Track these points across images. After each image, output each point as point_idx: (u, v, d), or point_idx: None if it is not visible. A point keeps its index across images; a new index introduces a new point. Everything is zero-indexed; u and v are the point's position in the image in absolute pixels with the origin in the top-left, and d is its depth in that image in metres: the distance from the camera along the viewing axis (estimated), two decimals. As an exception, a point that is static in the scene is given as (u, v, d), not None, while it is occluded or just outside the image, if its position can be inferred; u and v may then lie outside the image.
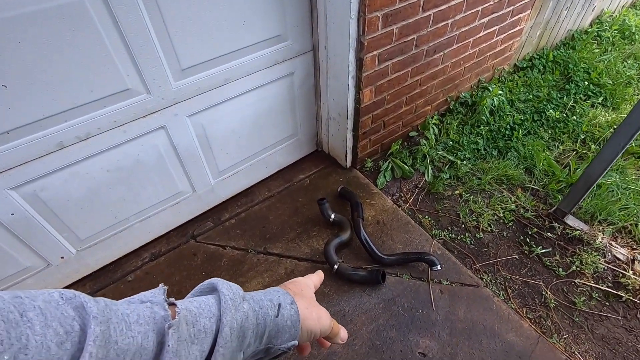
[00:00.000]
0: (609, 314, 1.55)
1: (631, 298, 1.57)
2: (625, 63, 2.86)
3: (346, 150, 2.11)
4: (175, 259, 1.81)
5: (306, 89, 1.96)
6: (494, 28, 2.24)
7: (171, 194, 1.77)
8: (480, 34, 2.18)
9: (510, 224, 1.89)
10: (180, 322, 0.34)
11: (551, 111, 2.42)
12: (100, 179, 1.49)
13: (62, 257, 1.59)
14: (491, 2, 2.03)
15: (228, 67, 1.56)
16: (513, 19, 2.32)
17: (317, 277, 0.59)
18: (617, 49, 3.02)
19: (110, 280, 1.74)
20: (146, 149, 1.55)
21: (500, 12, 2.18)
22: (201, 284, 0.46)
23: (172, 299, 0.38)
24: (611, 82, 2.62)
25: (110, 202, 1.58)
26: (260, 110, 1.83)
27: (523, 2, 2.25)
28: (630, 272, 1.63)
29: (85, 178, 1.45)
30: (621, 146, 1.46)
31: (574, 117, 2.41)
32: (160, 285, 0.40)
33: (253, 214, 2.01)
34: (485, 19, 2.11)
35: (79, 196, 1.47)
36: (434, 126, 2.29)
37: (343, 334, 0.55)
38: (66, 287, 1.70)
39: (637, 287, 1.59)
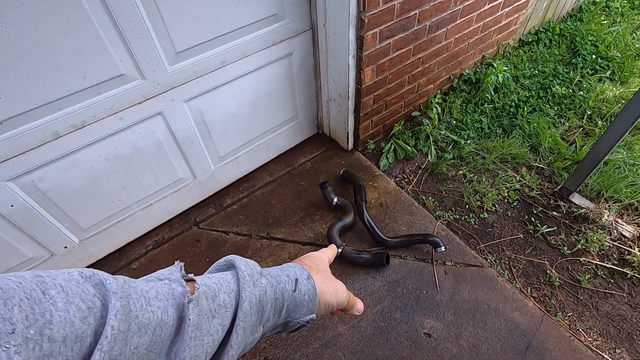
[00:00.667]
0: (614, 292, 1.55)
1: (637, 275, 1.56)
2: (634, 34, 2.77)
3: (347, 132, 2.07)
4: (179, 246, 1.81)
5: (305, 70, 1.90)
6: (498, 1, 2.15)
7: (172, 181, 1.76)
8: (485, 8, 2.10)
9: (514, 204, 1.87)
10: (200, 297, 0.35)
11: (557, 87, 2.36)
12: (99, 168, 1.47)
13: (66, 247, 1.59)
14: (496, -27, 1.94)
15: (224, 49, 1.51)
16: (519, -10, 2.23)
17: (330, 251, 0.60)
18: (626, 19, 2.92)
19: (115, 268, 1.75)
20: (144, 136, 1.51)
21: (506, -16, 2.09)
22: (218, 261, 0.46)
23: (190, 275, 0.38)
24: (619, 55, 2.54)
25: (110, 190, 1.56)
26: (259, 93, 1.79)
27: (530, -28, 2.16)
28: (636, 249, 1.62)
29: (84, 167, 1.43)
30: (631, 122, 1.42)
31: (581, 92, 2.34)
32: (177, 262, 0.40)
33: (255, 199, 1.99)
34: (490, -8, 2.03)
35: (78, 186, 1.45)
36: (437, 105, 2.24)
37: (359, 305, 0.57)
38: (72, 276, 1.71)
39: (643, 264, 1.58)
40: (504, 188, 1.92)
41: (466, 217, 1.84)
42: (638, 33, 2.79)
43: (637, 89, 1.56)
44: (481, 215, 1.84)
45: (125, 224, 1.72)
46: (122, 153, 1.49)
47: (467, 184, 1.98)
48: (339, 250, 1.65)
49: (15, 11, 1.01)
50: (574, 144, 2.08)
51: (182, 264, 0.40)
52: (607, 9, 3.02)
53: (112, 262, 1.77)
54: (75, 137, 1.33)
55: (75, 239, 1.60)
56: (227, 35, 1.48)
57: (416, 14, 1.72)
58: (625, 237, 1.67)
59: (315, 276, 0.50)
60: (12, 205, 1.34)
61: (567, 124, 2.23)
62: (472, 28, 2.14)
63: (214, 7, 1.36)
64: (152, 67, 1.36)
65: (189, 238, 1.85)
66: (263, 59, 1.67)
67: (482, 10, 2.09)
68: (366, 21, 1.54)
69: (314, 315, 0.48)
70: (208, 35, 1.42)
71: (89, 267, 1.71)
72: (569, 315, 1.50)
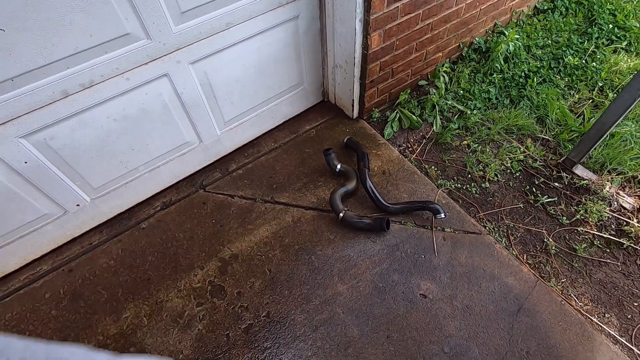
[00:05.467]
0: (608, 260, 1.58)
1: (633, 245, 1.59)
2: (656, 3, 2.65)
3: (353, 100, 2.06)
4: (186, 208, 1.87)
5: (312, 34, 1.87)
6: (514, -36, 2.07)
7: (178, 144, 1.79)
8: (500, -29, 2.02)
9: (517, 174, 1.88)
10: None
11: (570, 57, 2.30)
12: (108, 128, 1.50)
13: (78, 205, 1.66)
14: None
15: (229, 9, 1.49)
16: (537, -47, 2.13)
17: None
18: (650, -13, 2.78)
19: (125, 227, 1.82)
20: (150, 97, 1.53)
21: (523, -55, 1.99)
22: None
23: None
24: (638, 25, 2.45)
25: (119, 151, 1.60)
26: (265, 57, 1.78)
27: None
28: (635, 220, 1.64)
29: (93, 127, 1.46)
30: (635, 93, 1.40)
31: (594, 63, 2.28)
32: None
33: (260, 164, 2.02)
34: (506, -47, 1.94)
35: (88, 145, 1.49)
36: (444, 74, 2.21)
37: None
38: (84, 234, 1.79)
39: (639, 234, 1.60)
40: (508, 159, 1.93)
41: (467, 186, 1.86)
42: (660, 2, 2.67)
43: (650, 58, 1.52)
44: (483, 185, 1.86)
45: (134, 184, 1.78)
46: (130, 114, 1.52)
47: (470, 154, 1.99)
48: (341, 214, 1.69)
49: (21, -36, 1.01)
50: (582, 116, 2.06)
51: None
52: (630, -24, 2.87)
53: (122, 222, 1.84)
54: (84, 96, 1.35)
55: (87, 197, 1.66)
56: (232, -6, 1.46)
57: (427, -25, 1.67)
58: (625, 208, 1.69)
59: None
60: (26, 162, 1.39)
61: (577, 95, 2.19)
62: (485, -7, 2.07)
63: (219, -36, 1.34)
64: (158, 26, 1.35)
65: (195, 200, 1.90)
66: (269, 21, 1.65)
67: (496, -27, 2.01)
68: (374, -18, 1.50)
69: None
70: (214, -6, 1.40)
71: (100, 225, 1.78)
72: (562, 282, 1.54)
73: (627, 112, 1.48)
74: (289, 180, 1.95)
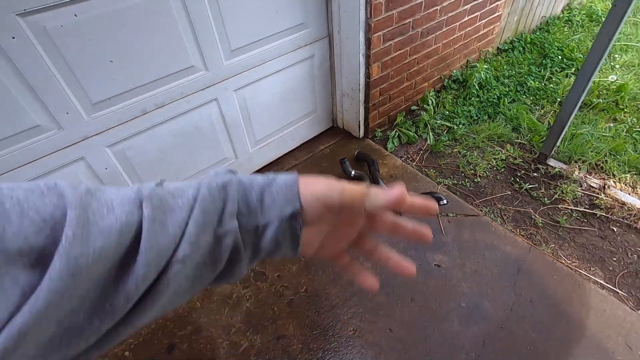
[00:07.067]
0: (587, 228, 1.89)
1: (604, 214, 1.91)
2: (593, 40, 3.27)
3: (359, 121, 2.48)
4: (224, 215, 2.16)
5: (323, 70, 2.35)
6: (476, 14, 2.65)
7: (219, 159, 2.14)
8: (465, 19, 2.59)
9: (502, 170, 2.25)
10: (156, 194, 0.31)
11: (531, 81, 2.81)
12: (169, 142, 1.86)
13: (136, 211, 1.94)
14: (471, -9, 2.45)
15: (264, 49, 1.95)
16: (491, 6, 2.74)
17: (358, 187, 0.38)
18: (586, 30, 3.45)
19: (172, 233, 2.09)
20: (203, 117, 1.92)
21: (480, 0, 2.59)
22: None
23: (162, 179, 0.35)
24: (581, 56, 3.03)
25: (174, 162, 1.94)
26: (287, 88, 2.22)
27: (498, -10, 2.68)
28: (603, 195, 1.98)
29: (158, 140, 1.82)
30: (582, 90, 1.83)
31: (551, 85, 2.80)
32: (160, 179, 0.36)
33: (284, 177, 2.36)
34: (468, 6, 2.52)
35: (152, 156, 1.84)
36: (432, 98, 2.68)
37: (395, 190, 0.37)
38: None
39: (609, 206, 1.93)
40: (492, 159, 2.31)
41: (462, 182, 2.21)
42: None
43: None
44: (475, 180, 2.21)
45: (182, 194, 2.08)
46: (186, 131, 1.89)
47: (461, 158, 2.37)
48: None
49: (130, 15, 1.45)
50: (548, 123, 2.49)
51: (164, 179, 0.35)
52: (569, 22, 3.56)
53: (169, 229, 2.11)
54: (157, 114, 1.73)
55: (144, 204, 1.95)
56: (267, 38, 1.92)
57: (410, 21, 2.19)
58: (593, 187, 2.04)
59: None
60: (106, 168, 1.71)
61: (542, 110, 2.65)
62: (456, 35, 2.63)
63: (260, 15, 1.82)
64: (213, 60, 1.79)
65: (232, 208, 2.20)
66: (292, 59, 2.12)
67: (463, 20, 2.58)
68: (372, 25, 2.00)
69: (298, 207, 0.35)
70: (254, 38, 1.87)
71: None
72: (552, 247, 1.83)
73: (577, 106, 1.90)
74: (311, 187, 2.28)
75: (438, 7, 2.29)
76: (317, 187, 0.37)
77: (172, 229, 0.30)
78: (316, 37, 2.16)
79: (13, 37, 1.26)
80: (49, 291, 0.23)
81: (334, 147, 2.56)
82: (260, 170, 2.41)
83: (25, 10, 1.24)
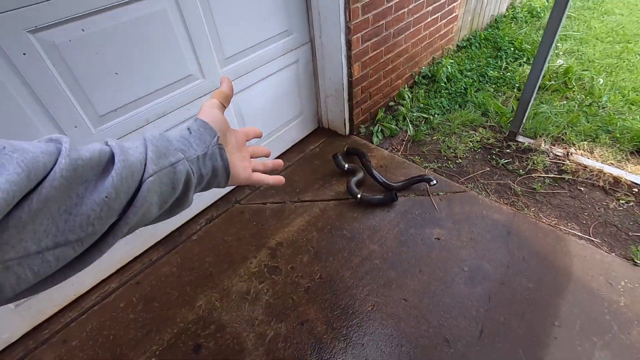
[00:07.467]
0: (559, 191, 2.13)
1: (571, 177, 2.17)
2: (537, 33, 3.68)
3: (344, 119, 2.64)
4: (228, 219, 2.22)
5: (308, 73, 2.49)
6: (437, 15, 2.93)
7: (218, 164, 2.20)
8: (428, 19, 2.85)
9: (479, 150, 2.48)
10: (115, 142, 0.39)
11: (491, 72, 3.12)
12: (171, 150, 1.90)
13: (142, 222, 1.96)
14: (432, -6, 2.71)
15: (255, 56, 2.07)
16: (449, 7, 3.03)
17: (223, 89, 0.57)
18: (530, 24, 3.86)
19: (178, 242, 2.11)
20: (201, 124, 1.98)
21: (439, 2, 2.87)
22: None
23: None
24: (530, 47, 3.40)
25: (176, 171, 1.98)
26: (276, 92, 2.34)
27: (454, -7, 2.98)
28: (568, 161, 2.24)
29: (161, 149, 1.86)
30: (539, 70, 2.10)
31: (508, 73, 3.12)
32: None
33: (281, 178, 2.46)
34: (430, 7, 2.79)
35: (156, 165, 1.87)
36: (407, 94, 2.90)
37: (270, 163, 0.62)
38: (143, 252, 2.05)
39: (574, 170, 2.20)
40: (469, 142, 2.54)
41: (446, 164, 2.42)
42: (539, 32, 3.71)
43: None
44: (457, 161, 2.42)
45: (185, 202, 2.12)
46: (187, 138, 1.95)
47: (441, 143, 2.58)
48: (358, 196, 2.13)
49: (135, 28, 1.52)
50: (511, 106, 2.78)
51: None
52: (514, 19, 3.98)
53: (174, 239, 2.13)
54: (159, 124, 1.78)
55: (150, 215, 1.97)
56: (257, 45, 2.04)
57: (383, 23, 2.40)
58: (558, 156, 2.30)
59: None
60: (113, 180, 1.73)
61: (504, 96, 2.95)
62: (422, 35, 2.88)
63: (251, 24, 1.94)
64: (210, 69, 1.88)
65: (234, 212, 2.26)
66: (279, 65, 2.25)
67: (427, 21, 2.84)
68: (352, 28, 2.18)
69: (216, 132, 0.49)
70: (246, 45, 1.98)
71: (157, 244, 2.07)
72: (532, 210, 2.05)
73: (536, 86, 2.16)
74: (307, 184, 2.39)
75: (406, 10, 2.52)
76: (212, 113, 0.52)
77: (135, 154, 0.39)
78: (300, 42, 2.31)
79: (24, 54, 1.29)
80: (60, 174, 0.31)
81: (322, 146, 2.70)
82: (256, 174, 2.49)
83: (36, 27, 1.28)
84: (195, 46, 1.76)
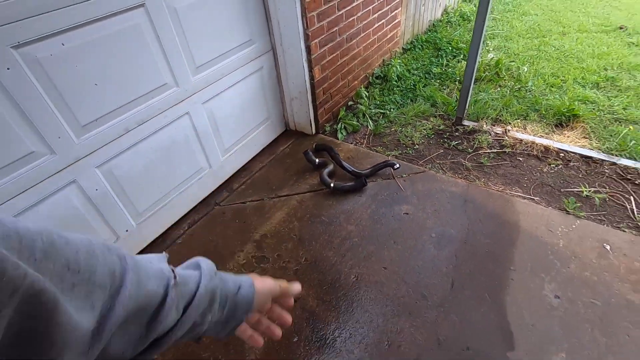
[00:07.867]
0: (502, 162, 2.46)
1: (511, 150, 2.52)
2: (469, 33, 4.16)
3: (310, 120, 2.84)
4: (210, 220, 2.31)
5: (272, 79, 2.67)
6: (382, 21, 3.25)
7: (195, 169, 2.29)
8: (376, 25, 3.16)
9: (432, 136, 2.78)
10: (178, 282, 0.48)
11: (435, 69, 3.49)
12: (151, 158, 1.99)
13: (127, 230, 2.01)
14: (376, 3, 3.03)
15: (223, 64, 2.22)
16: (392, 14, 3.38)
17: (285, 284, 0.66)
18: (462, 27, 4.36)
19: (163, 247, 2.17)
20: (178, 131, 2.09)
21: (383, 10, 3.20)
22: (187, 261, 0.60)
23: (172, 267, 0.52)
24: (464, 45, 3.84)
25: (157, 178, 2.06)
26: (245, 98, 2.49)
27: (395, 1, 3.33)
28: (506, 137, 2.60)
29: (142, 157, 1.94)
30: (474, 60, 2.44)
31: (450, 69, 3.51)
32: (163, 252, 0.55)
33: (256, 179, 2.59)
34: (376, 15, 3.10)
35: (137, 173, 1.94)
36: (364, 93, 3.17)
37: (295, 286, 0.68)
38: (129, 261, 2.08)
39: (512, 144, 2.55)
40: (423, 130, 2.84)
41: (405, 150, 2.69)
42: (470, 33, 4.19)
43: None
44: (414, 147, 2.70)
45: (167, 208, 2.18)
46: (165, 145, 2.04)
47: (399, 133, 2.86)
48: (332, 184, 2.32)
49: (114, 41, 1.62)
50: (455, 97, 3.14)
51: (167, 255, 0.54)
52: (449, 23, 4.46)
53: (160, 245, 2.18)
54: (139, 131, 1.87)
55: (134, 222, 2.03)
56: (224, 54, 2.20)
57: (337, 29, 2.65)
58: (498, 134, 2.66)
59: (256, 280, 0.61)
60: (97, 189, 1.79)
61: (448, 89, 3.31)
62: (371, 39, 3.18)
63: (217, 35, 2.09)
64: (183, 77, 2.00)
65: (215, 214, 2.35)
66: (245, 72, 2.41)
67: (374, 27, 3.15)
68: (310, 34, 2.40)
69: (251, 309, 0.59)
70: (214, 54, 2.13)
71: (143, 250, 2.11)
72: (482, 180, 2.35)
73: (473, 74, 2.51)
74: (282, 181, 2.54)
75: (355, 17, 2.80)
76: (267, 283, 0.62)
77: (180, 310, 0.49)
78: (262, 50, 2.49)
79: (8, 69, 1.36)
80: (123, 306, 0.39)
81: (292, 146, 2.87)
82: (232, 177, 2.60)
83: (19, 42, 1.36)
84: (168, 57, 1.88)
